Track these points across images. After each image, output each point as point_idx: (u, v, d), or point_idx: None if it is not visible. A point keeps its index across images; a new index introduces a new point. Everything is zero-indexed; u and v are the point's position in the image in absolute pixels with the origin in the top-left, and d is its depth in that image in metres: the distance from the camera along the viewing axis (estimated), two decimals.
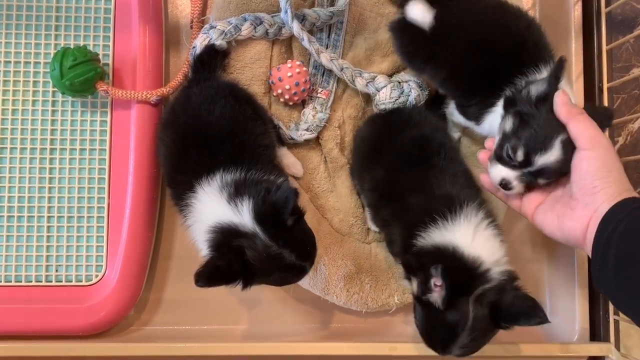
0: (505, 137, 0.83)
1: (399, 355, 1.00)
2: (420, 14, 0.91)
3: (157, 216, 1.05)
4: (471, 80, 0.92)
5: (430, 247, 0.82)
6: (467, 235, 0.81)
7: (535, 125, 0.79)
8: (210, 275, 0.75)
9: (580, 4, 1.10)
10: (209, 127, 0.87)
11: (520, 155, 0.80)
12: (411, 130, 0.96)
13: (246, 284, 0.78)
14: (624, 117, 1.09)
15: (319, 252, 0.90)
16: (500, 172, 0.83)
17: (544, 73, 0.86)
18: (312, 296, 1.05)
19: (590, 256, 0.74)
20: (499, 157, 0.83)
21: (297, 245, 0.78)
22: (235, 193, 0.80)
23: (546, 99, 0.79)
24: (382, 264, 1.03)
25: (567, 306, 1.10)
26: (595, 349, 1.04)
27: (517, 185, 0.83)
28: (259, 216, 0.77)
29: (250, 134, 0.89)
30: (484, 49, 0.89)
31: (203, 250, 0.82)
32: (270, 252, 0.76)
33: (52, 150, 1.03)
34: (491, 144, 0.88)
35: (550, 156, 0.78)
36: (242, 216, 0.78)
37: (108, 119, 1.04)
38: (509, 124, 0.83)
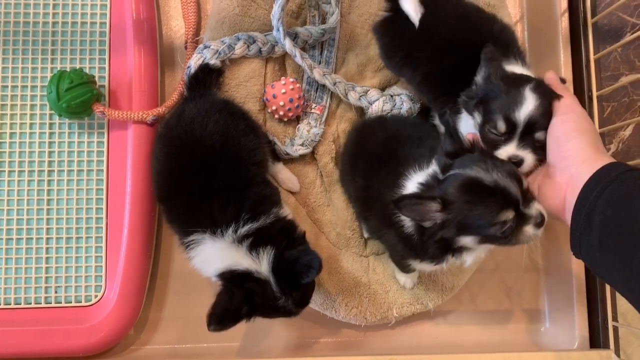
0: (482, 125, 0.83)
1: None
2: (413, 7, 0.92)
3: (154, 235, 1.05)
4: (444, 81, 0.93)
5: None
6: None
7: (498, 94, 0.80)
8: (222, 318, 0.82)
9: (567, 15, 1.12)
10: (202, 141, 0.89)
11: (501, 125, 0.79)
12: (378, 133, 0.97)
13: (247, 319, 0.86)
14: (615, 124, 1.10)
15: None
16: (502, 153, 0.81)
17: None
18: (312, 311, 1.05)
19: (570, 222, 0.72)
20: (492, 142, 0.82)
21: (301, 299, 0.87)
22: (256, 242, 0.85)
23: (491, 74, 0.81)
24: (381, 277, 1.04)
25: (566, 314, 1.10)
26: (596, 356, 1.04)
27: (524, 155, 0.79)
28: (277, 268, 0.84)
29: (243, 148, 0.90)
30: (457, 49, 0.90)
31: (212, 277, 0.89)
32: (277, 302, 0.84)
33: (50, 172, 1.04)
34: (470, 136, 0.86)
35: (528, 106, 0.78)
36: (261, 264, 0.84)
37: (105, 139, 1.05)
38: (478, 116, 0.83)
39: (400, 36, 0.96)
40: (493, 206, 0.71)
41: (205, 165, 0.87)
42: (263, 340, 1.07)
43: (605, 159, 0.72)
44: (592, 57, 1.09)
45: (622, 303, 1.07)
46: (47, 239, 1.03)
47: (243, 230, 0.85)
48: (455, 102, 0.89)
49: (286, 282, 0.83)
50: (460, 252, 0.78)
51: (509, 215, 0.72)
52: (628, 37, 1.02)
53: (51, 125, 1.05)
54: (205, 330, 1.05)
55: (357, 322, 1.02)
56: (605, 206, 0.67)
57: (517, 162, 0.80)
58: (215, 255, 0.86)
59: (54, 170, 1.04)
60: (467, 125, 0.88)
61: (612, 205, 0.66)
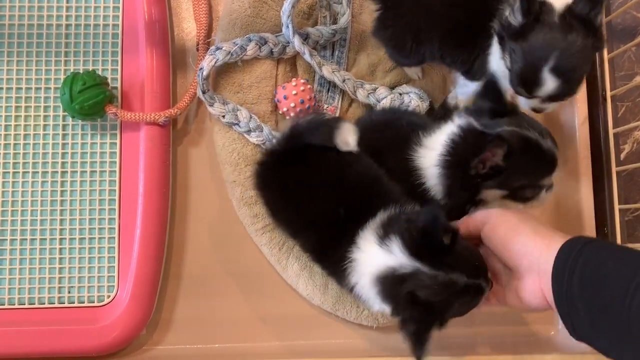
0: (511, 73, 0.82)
1: None
2: None
3: (167, 236, 1.06)
4: (460, 33, 0.91)
5: None
6: None
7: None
8: (418, 342, 0.72)
9: None
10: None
11: (523, 92, 0.81)
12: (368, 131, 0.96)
13: (441, 324, 0.74)
14: (629, 124, 1.09)
15: None
16: (525, 103, 0.84)
17: None
18: (323, 312, 1.05)
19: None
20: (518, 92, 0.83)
21: (463, 264, 0.72)
22: (384, 234, 0.75)
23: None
24: None
25: None
26: None
27: (545, 106, 0.84)
28: (413, 249, 0.72)
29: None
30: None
31: (375, 305, 0.77)
32: (440, 282, 0.70)
33: (63, 173, 1.05)
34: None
35: (548, 87, 0.79)
36: (396, 256, 0.73)
37: (117, 141, 1.06)
38: (507, 60, 0.82)
39: (401, 24, 0.95)
40: (545, 169, 0.78)
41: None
42: (275, 341, 1.07)
43: (556, 240, 0.69)
44: (605, 56, 1.08)
45: None
46: (60, 239, 1.04)
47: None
48: (479, 46, 0.88)
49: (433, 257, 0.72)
50: (477, 204, 0.82)
51: (551, 181, 0.79)
52: None
53: (64, 126, 1.06)
54: (218, 331, 1.06)
55: (368, 324, 1.02)
56: (580, 291, 0.64)
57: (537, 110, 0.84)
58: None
59: (67, 172, 1.05)
60: (499, 64, 0.85)
61: (586, 288, 0.64)
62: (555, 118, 1.12)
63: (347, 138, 0.83)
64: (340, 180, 0.84)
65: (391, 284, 0.73)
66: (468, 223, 0.79)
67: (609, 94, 1.07)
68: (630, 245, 1.06)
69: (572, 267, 0.65)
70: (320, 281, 1.01)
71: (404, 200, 0.81)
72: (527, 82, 0.79)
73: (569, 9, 0.78)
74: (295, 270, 1.02)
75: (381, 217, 0.79)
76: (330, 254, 0.81)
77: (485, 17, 0.85)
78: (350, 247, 0.78)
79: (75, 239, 1.04)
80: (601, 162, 1.09)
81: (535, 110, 0.85)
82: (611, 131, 1.07)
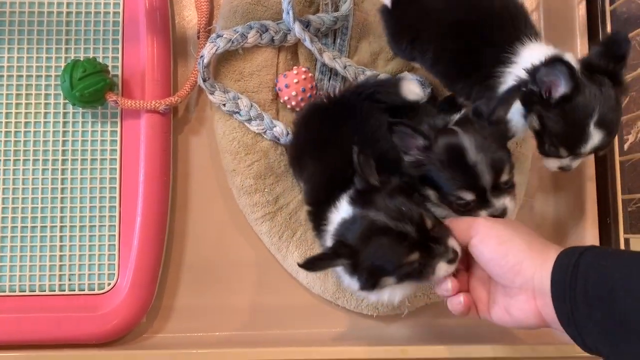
0: (539, 136, 0.82)
1: (411, 358, 0.99)
2: None
3: (167, 224, 1.06)
4: (454, 67, 0.91)
5: None
6: None
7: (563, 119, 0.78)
8: (309, 264, 0.72)
9: (584, 3, 1.10)
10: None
11: (564, 152, 0.80)
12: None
13: (354, 265, 0.73)
14: (633, 113, 1.08)
15: None
16: (555, 164, 0.84)
17: (529, 48, 0.85)
18: (323, 301, 1.05)
19: (564, 333, 0.65)
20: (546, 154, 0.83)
21: (388, 207, 0.71)
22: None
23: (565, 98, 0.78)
24: None
25: None
26: None
27: (574, 163, 0.83)
28: (354, 195, 0.76)
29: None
30: (458, 32, 0.89)
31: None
32: (360, 219, 0.72)
33: (63, 161, 1.05)
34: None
35: (594, 141, 0.78)
36: (346, 208, 0.76)
37: (118, 129, 1.05)
38: (535, 122, 0.82)
39: (406, 19, 0.95)
40: (464, 179, 0.73)
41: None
42: (275, 330, 1.07)
43: (551, 255, 0.65)
44: None
45: None
46: (61, 227, 1.04)
47: None
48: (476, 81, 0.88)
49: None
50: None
51: (469, 196, 0.74)
52: None
53: (65, 114, 1.05)
54: (219, 319, 1.06)
55: (369, 312, 1.02)
56: (588, 310, 0.60)
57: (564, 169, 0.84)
58: None
59: (67, 159, 1.05)
60: (519, 119, 0.85)
61: (595, 306, 0.60)
62: None
63: (413, 88, 0.89)
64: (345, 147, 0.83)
65: (338, 230, 0.76)
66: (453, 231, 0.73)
67: None
68: (632, 236, 1.05)
69: (572, 285, 0.61)
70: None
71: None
72: (571, 141, 0.79)
73: (588, 64, 0.81)
74: (295, 259, 1.02)
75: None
76: (320, 209, 0.83)
77: (494, 55, 0.85)
78: (332, 207, 0.80)
79: (75, 226, 1.04)
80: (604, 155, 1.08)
81: (563, 169, 0.83)
82: None
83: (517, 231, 0.69)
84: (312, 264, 0.72)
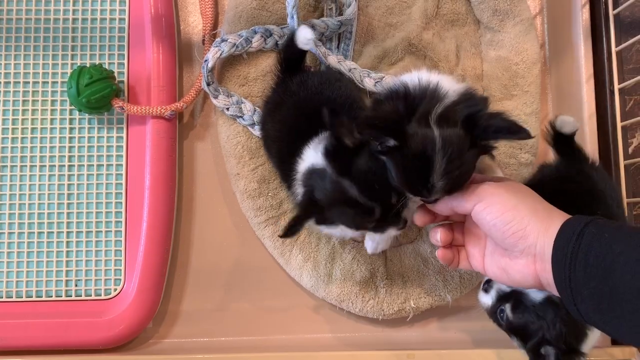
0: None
1: None
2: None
3: (173, 229, 1.06)
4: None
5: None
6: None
7: None
8: (288, 231, 0.76)
9: (587, 7, 1.10)
10: (333, 101, 0.89)
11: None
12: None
13: (319, 221, 0.79)
14: (638, 117, 1.08)
15: (332, 256, 0.90)
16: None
17: None
18: (328, 305, 1.05)
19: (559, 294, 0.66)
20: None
21: (360, 178, 0.74)
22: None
23: None
24: (397, 268, 1.03)
25: None
26: (618, 352, 1.02)
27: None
28: (327, 150, 0.77)
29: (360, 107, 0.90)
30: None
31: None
32: (332, 183, 0.75)
33: (70, 167, 1.05)
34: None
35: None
36: (317, 155, 0.79)
37: (124, 134, 1.06)
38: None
39: None
40: (417, 193, 0.74)
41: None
42: (281, 335, 1.07)
43: (555, 221, 0.66)
44: (613, 49, 1.07)
45: None
46: (68, 233, 1.04)
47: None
48: None
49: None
50: None
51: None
52: None
53: (71, 120, 1.06)
54: (225, 324, 1.06)
55: (374, 316, 1.02)
56: (586, 278, 0.61)
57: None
58: None
59: (74, 165, 1.05)
60: None
61: (592, 275, 0.61)
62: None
63: (305, 35, 0.91)
64: (303, 101, 0.91)
65: (306, 176, 0.80)
66: (456, 201, 0.72)
67: (616, 87, 1.06)
68: None
69: (574, 253, 0.62)
70: (324, 271, 1.01)
71: None
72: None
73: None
74: (299, 262, 1.03)
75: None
76: (287, 167, 0.86)
77: None
78: (298, 160, 0.83)
79: (82, 232, 1.04)
80: (609, 155, 1.08)
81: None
82: (619, 124, 1.06)
83: (521, 197, 0.69)
84: (290, 231, 0.76)
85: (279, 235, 0.78)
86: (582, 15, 1.10)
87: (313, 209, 0.77)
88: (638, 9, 1.17)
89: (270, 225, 1.03)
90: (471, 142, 0.69)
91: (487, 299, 0.85)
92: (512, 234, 0.67)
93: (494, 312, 0.84)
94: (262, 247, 1.06)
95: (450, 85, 0.74)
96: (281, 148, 0.92)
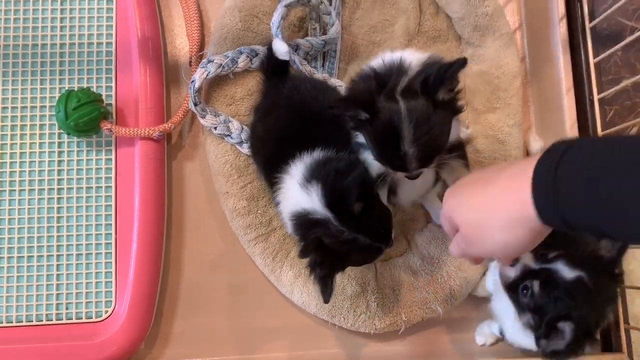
0: None
1: None
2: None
3: (163, 249, 1.06)
4: None
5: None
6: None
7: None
8: (326, 285, 0.79)
9: (565, 20, 1.13)
10: (316, 113, 0.91)
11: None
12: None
13: (331, 270, 0.80)
14: (617, 127, 1.10)
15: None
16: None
17: None
18: (319, 321, 1.05)
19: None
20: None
21: (369, 229, 0.80)
22: (309, 176, 0.82)
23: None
24: (388, 282, 1.04)
25: None
26: (609, 359, 1.03)
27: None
28: (329, 202, 0.79)
29: None
30: None
31: (288, 229, 0.87)
32: (344, 238, 0.78)
33: (59, 190, 1.06)
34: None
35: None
36: (313, 201, 0.80)
37: (113, 156, 1.07)
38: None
39: None
40: (392, 163, 0.79)
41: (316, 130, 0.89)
42: (272, 353, 1.07)
43: (530, 164, 0.61)
44: (591, 61, 1.09)
45: (634, 306, 1.07)
46: (58, 256, 1.04)
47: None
48: None
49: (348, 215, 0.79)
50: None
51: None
52: (626, 40, 1.03)
53: (60, 144, 1.07)
54: (216, 344, 1.06)
55: (365, 330, 1.02)
56: (571, 173, 0.57)
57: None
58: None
59: (63, 188, 1.06)
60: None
61: (578, 186, 0.56)
62: (545, 123, 1.14)
63: (280, 48, 0.96)
64: (296, 105, 0.94)
65: (303, 224, 0.81)
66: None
67: (596, 97, 1.08)
68: None
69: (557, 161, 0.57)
70: (314, 287, 1.02)
71: (337, 144, 0.86)
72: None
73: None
74: (290, 279, 1.03)
75: (315, 155, 0.84)
76: (272, 175, 0.89)
77: None
78: (283, 173, 0.86)
79: (72, 255, 1.04)
80: None
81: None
82: (600, 134, 1.08)
83: (484, 187, 0.67)
84: (327, 287, 0.79)
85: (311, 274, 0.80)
86: (560, 29, 1.13)
87: (327, 258, 0.79)
88: (614, 22, 1.20)
89: (260, 242, 1.04)
90: (434, 104, 0.73)
91: (510, 272, 0.84)
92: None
93: (515, 286, 0.84)
94: (253, 265, 1.07)
95: (413, 58, 0.78)
96: (270, 149, 0.94)
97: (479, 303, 1.08)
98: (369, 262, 0.88)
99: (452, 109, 0.77)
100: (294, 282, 1.03)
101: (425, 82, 0.73)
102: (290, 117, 0.92)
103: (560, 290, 0.79)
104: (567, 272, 0.80)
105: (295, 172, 0.84)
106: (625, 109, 1.19)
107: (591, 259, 0.83)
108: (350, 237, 0.78)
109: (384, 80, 0.75)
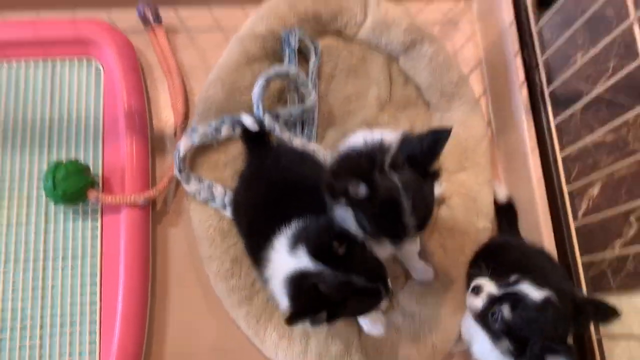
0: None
1: None
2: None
3: (147, 316, 1.07)
4: None
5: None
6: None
7: None
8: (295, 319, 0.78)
9: (525, 86, 1.21)
10: (304, 179, 0.95)
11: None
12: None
13: (330, 316, 0.79)
14: (581, 182, 1.16)
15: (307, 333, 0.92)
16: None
17: None
18: None
19: None
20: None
21: (362, 268, 0.81)
22: (294, 243, 0.84)
23: None
24: (371, 340, 1.05)
25: None
26: None
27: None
28: (315, 254, 0.81)
29: None
30: None
31: (282, 304, 0.86)
32: (340, 280, 0.79)
33: (45, 259, 1.07)
34: None
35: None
36: (304, 261, 0.82)
37: (99, 224, 1.09)
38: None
39: None
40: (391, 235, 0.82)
41: (298, 200, 0.92)
42: None
43: None
44: (552, 122, 1.17)
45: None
46: (41, 325, 1.04)
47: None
48: None
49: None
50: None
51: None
52: (580, 102, 1.10)
53: (47, 212, 1.09)
54: None
55: None
56: None
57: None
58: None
59: (49, 257, 1.07)
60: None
61: None
62: (512, 180, 1.19)
63: (247, 121, 1.04)
64: (277, 176, 0.97)
65: (300, 282, 0.81)
66: None
67: (559, 156, 1.15)
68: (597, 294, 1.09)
69: None
70: (299, 348, 1.03)
71: (314, 211, 0.89)
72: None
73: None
74: (274, 340, 1.04)
75: (295, 225, 0.87)
76: (257, 253, 0.91)
77: None
78: (269, 249, 0.88)
79: (56, 325, 1.04)
80: (559, 218, 1.14)
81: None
82: (565, 190, 1.13)
83: None
84: (297, 320, 0.77)
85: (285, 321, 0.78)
86: (522, 94, 1.21)
87: (324, 304, 0.79)
88: (571, 86, 1.28)
89: (244, 305, 1.05)
90: (423, 175, 0.78)
91: (477, 302, 0.86)
92: None
93: (485, 315, 0.85)
94: (237, 328, 1.07)
95: (389, 137, 0.83)
96: (252, 218, 0.97)
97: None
98: (373, 309, 0.87)
99: (434, 175, 0.82)
100: (278, 344, 1.04)
101: (413, 158, 0.78)
102: (270, 187, 0.96)
103: (530, 311, 0.81)
104: (533, 292, 0.82)
105: (279, 245, 0.87)
106: (588, 167, 1.25)
107: None
108: (344, 280, 0.79)
109: (372, 159, 0.80)
